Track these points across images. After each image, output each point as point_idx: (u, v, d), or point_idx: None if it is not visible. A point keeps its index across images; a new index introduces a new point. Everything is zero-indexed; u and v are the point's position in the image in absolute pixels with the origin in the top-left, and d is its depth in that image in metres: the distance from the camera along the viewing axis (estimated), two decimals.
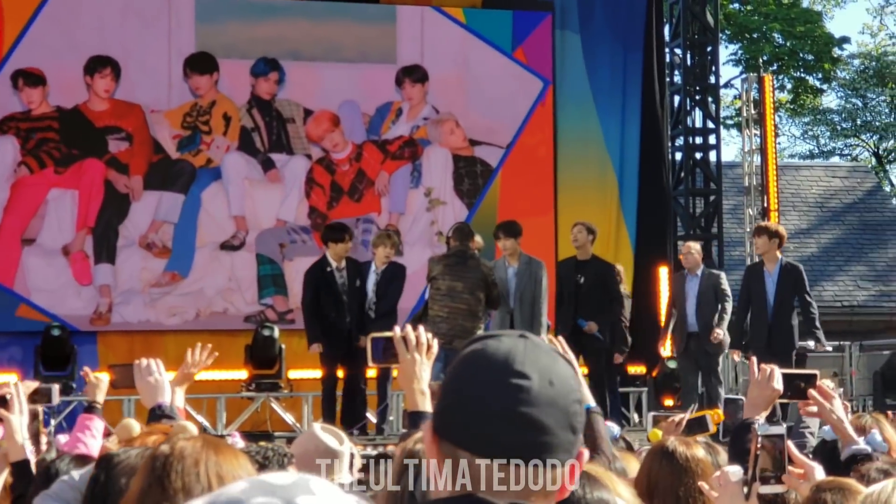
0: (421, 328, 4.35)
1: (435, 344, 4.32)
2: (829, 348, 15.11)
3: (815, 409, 4.95)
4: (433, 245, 16.80)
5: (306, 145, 17.00)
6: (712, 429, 7.46)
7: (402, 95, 17.34)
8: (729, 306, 14.14)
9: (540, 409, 1.98)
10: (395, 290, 13.65)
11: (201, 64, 16.69)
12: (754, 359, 4.92)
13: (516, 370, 2.00)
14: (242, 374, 15.07)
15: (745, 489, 3.80)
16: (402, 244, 16.72)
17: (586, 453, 2.07)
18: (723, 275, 14.63)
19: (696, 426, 6.80)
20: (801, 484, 3.93)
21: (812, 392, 4.88)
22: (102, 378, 6.44)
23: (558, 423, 2.00)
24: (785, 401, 5.00)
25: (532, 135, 17.61)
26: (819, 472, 3.96)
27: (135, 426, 6.44)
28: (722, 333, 13.98)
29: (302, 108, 17.01)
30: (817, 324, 13.75)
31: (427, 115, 17.39)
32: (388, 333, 4.38)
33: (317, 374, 14.02)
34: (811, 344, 14.27)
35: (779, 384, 4.67)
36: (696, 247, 14.72)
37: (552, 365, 2.03)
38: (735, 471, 3.88)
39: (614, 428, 8.89)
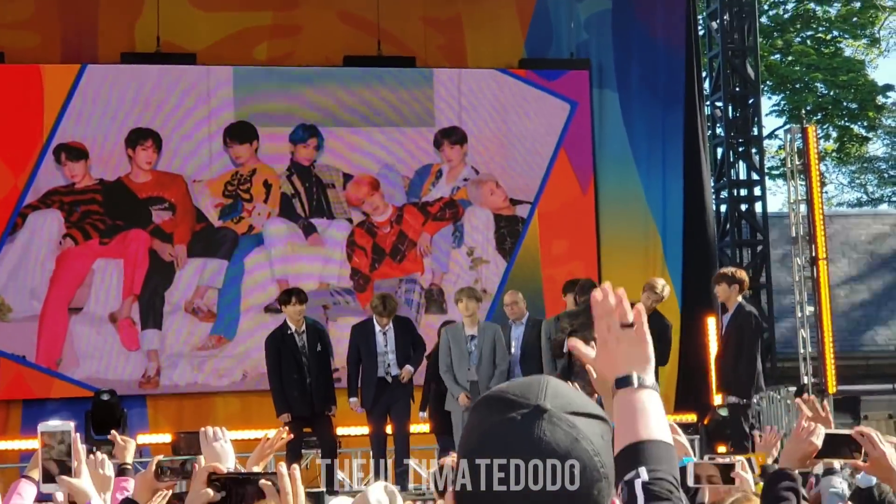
0: None
1: None
2: (725, 413, 14.37)
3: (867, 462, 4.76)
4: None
5: (346, 209, 17.09)
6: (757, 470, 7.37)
7: (441, 157, 17.40)
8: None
9: (560, 498, 1.89)
10: (421, 343, 13.87)
11: (241, 133, 16.85)
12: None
13: (535, 459, 1.90)
14: None
15: None
16: (445, 303, 16.81)
17: None
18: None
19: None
20: None
21: (865, 443, 4.67)
22: (129, 440, 6.78)
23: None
24: (823, 459, 4.92)
25: (563, 177, 17.58)
26: None
27: None
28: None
29: (341, 173, 17.11)
30: (741, 380, 13.46)
31: (467, 175, 17.44)
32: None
33: (364, 430, 14.03)
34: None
35: (818, 440, 4.62)
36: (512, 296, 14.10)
37: (573, 445, 1.92)
38: None
39: None
